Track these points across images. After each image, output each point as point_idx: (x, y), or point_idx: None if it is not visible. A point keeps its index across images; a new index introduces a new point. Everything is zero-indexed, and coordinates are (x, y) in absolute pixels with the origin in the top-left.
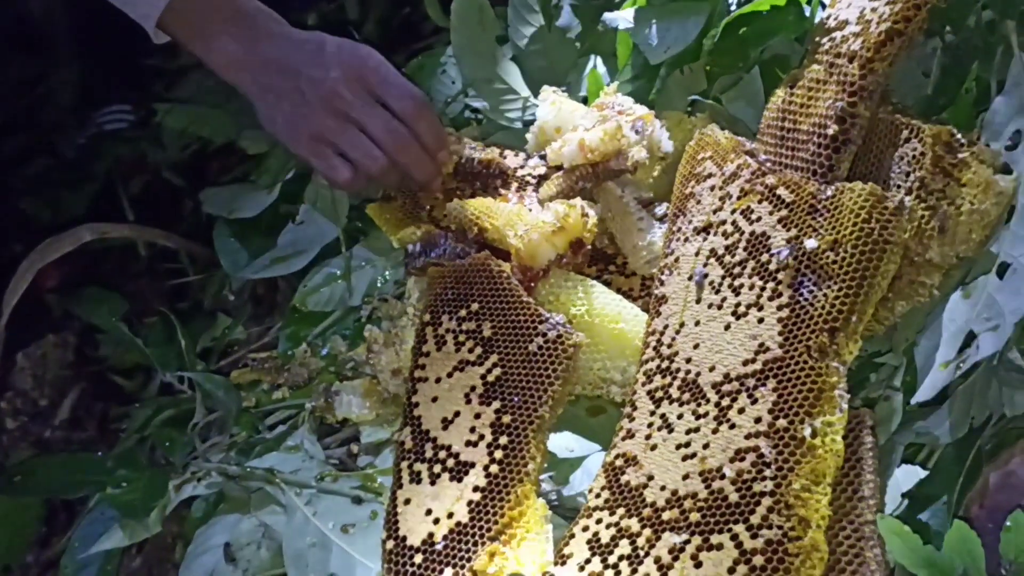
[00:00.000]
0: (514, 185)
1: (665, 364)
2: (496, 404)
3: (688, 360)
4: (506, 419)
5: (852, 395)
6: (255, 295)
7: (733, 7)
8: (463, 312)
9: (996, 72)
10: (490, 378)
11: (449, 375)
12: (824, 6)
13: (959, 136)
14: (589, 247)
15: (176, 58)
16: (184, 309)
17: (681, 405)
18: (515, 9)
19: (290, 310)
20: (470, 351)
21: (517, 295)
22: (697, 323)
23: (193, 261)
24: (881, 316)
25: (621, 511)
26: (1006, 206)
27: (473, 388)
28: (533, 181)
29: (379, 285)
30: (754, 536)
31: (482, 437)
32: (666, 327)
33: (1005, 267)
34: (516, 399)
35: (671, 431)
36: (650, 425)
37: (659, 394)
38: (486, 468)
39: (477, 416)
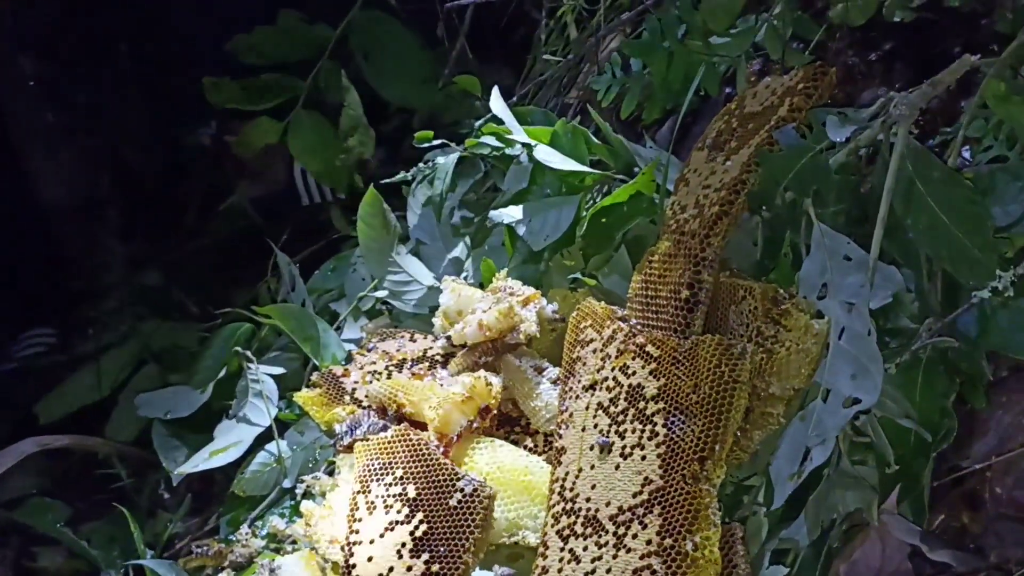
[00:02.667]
0: (426, 364)
1: (569, 506)
2: (425, 556)
3: (588, 500)
4: (435, 568)
5: (729, 515)
6: (192, 489)
7: (599, 198)
8: (389, 479)
9: (804, 239)
10: (418, 533)
11: (381, 536)
12: (670, 194)
13: (782, 292)
14: (495, 412)
15: (99, 279)
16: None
17: (585, 539)
18: (413, 212)
19: (229, 496)
20: (398, 512)
21: (436, 458)
22: (592, 467)
23: (124, 463)
24: (744, 445)
25: None
26: (823, 343)
27: (404, 544)
28: (441, 359)
29: (311, 465)
30: None
31: None
32: (567, 474)
33: (827, 392)
34: (442, 549)
35: (579, 562)
36: (561, 559)
37: (566, 532)
38: None
39: (409, 569)
